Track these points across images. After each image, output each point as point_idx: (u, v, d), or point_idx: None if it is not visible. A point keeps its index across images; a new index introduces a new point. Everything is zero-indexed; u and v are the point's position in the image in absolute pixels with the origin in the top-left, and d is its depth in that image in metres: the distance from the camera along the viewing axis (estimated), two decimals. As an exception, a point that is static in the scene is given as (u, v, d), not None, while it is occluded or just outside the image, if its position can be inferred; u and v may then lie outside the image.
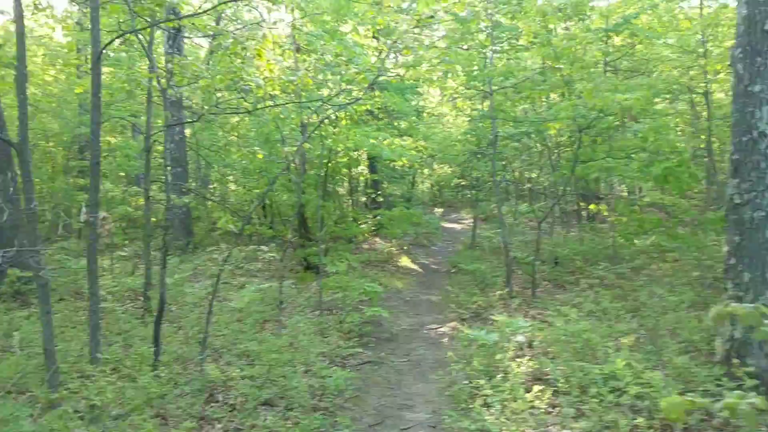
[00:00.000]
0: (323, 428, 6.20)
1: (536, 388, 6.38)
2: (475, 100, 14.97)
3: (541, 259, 14.08)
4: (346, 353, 8.88)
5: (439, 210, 24.47)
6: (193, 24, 9.27)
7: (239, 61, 6.55)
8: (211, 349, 8.35)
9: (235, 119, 16.93)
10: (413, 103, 16.74)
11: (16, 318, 9.19)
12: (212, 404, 6.60)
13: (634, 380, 5.93)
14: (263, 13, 12.98)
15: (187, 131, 19.13)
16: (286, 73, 7.74)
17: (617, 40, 15.97)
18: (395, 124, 15.41)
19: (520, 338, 8.13)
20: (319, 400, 6.96)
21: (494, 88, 12.00)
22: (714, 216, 12.37)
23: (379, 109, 15.67)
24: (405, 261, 16.63)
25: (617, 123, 11.90)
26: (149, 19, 7.14)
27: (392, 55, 16.16)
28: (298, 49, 10.82)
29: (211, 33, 12.86)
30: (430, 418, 6.63)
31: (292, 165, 13.82)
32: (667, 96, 15.35)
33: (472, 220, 24.18)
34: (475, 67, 12.63)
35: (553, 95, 14.09)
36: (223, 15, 17.55)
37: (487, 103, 15.99)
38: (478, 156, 14.63)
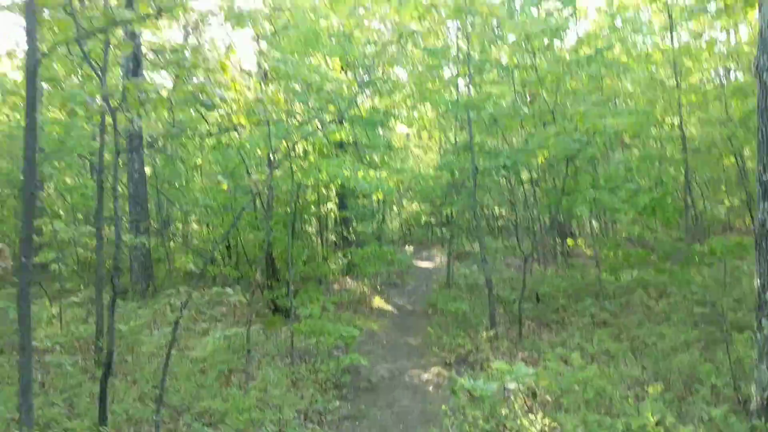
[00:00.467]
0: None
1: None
2: (448, 131, 14.21)
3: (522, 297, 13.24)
4: (323, 407, 7.79)
5: (409, 248, 23.53)
6: (152, 51, 8.38)
7: (201, 75, 5.60)
8: (169, 409, 7.20)
9: (198, 159, 15.90)
10: (384, 137, 15.96)
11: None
12: (167, 479, 5.48)
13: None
14: (228, 31, 12.07)
15: (148, 169, 18.04)
16: (254, 95, 6.82)
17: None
18: (366, 158, 14.55)
19: (511, 385, 7.19)
20: (295, 468, 5.89)
21: (473, 117, 11.24)
22: (699, 249, 11.72)
23: (349, 143, 14.84)
24: (378, 302, 15.59)
25: (602, 152, 11.25)
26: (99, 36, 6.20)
27: (365, 90, 15.44)
28: (265, 75, 9.95)
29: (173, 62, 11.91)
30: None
31: (258, 200, 12.83)
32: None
33: (444, 258, 23.35)
34: (453, 96, 11.90)
35: (529, 128, 13.42)
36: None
37: (462, 135, 15.28)
38: (455, 190, 13.82)
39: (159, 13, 5.38)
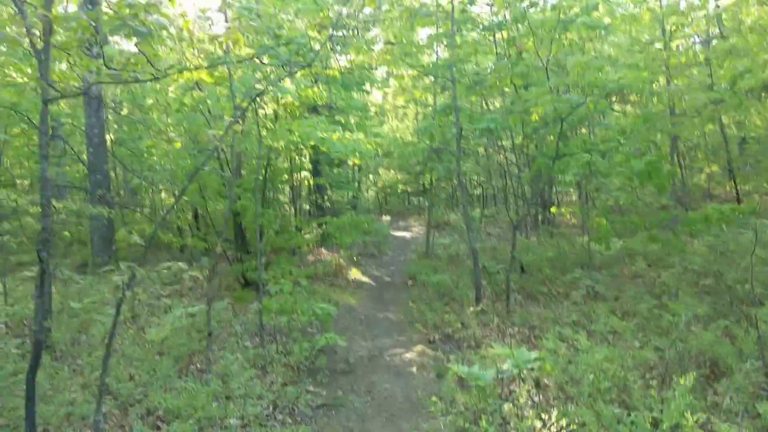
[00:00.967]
0: None
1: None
2: (428, 94, 13.09)
3: (507, 267, 12.34)
4: (295, 396, 6.79)
5: (386, 218, 22.55)
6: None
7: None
8: (117, 402, 6.14)
9: (156, 114, 14.57)
10: (360, 100, 14.80)
11: None
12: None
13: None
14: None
15: (109, 137, 16.69)
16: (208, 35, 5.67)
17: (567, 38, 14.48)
18: (342, 120, 13.40)
19: (512, 371, 6.27)
20: (261, 475, 4.90)
21: (457, 76, 10.16)
22: (694, 216, 10.87)
23: (322, 106, 13.66)
24: (355, 273, 14.61)
25: (596, 111, 10.25)
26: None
27: (337, 47, 14.25)
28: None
29: None
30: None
31: (227, 166, 11.67)
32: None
33: (421, 228, 22.41)
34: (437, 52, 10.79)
35: (512, 89, 12.33)
36: None
37: (442, 98, 14.18)
38: (436, 156, 12.77)
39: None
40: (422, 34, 17.32)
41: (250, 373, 7.10)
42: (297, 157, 14.19)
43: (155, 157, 13.74)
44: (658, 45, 14.72)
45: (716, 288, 7.88)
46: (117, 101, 19.36)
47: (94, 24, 4.34)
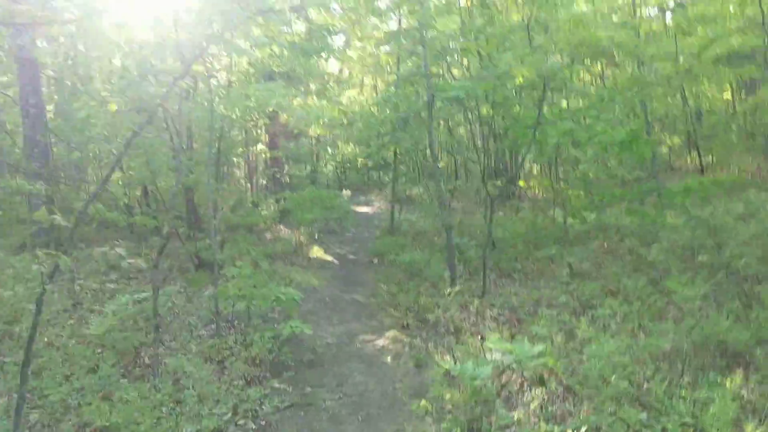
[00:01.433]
0: None
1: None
2: (392, 59, 12.07)
3: (480, 244, 11.56)
4: (258, 396, 5.85)
5: (346, 192, 21.54)
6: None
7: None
8: (44, 413, 5.11)
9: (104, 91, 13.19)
10: (320, 67, 13.72)
11: None
12: None
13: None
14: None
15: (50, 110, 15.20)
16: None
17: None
18: (301, 89, 12.33)
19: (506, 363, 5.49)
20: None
21: (431, 34, 9.22)
22: (675, 188, 10.26)
23: (280, 73, 12.56)
24: (317, 251, 13.63)
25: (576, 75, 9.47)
26: None
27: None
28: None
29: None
30: None
31: (173, 127, 10.50)
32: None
33: (383, 203, 21.49)
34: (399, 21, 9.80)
35: (477, 58, 11.45)
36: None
37: (406, 64, 13.18)
38: (401, 126, 11.82)
39: None
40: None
41: (206, 371, 6.15)
42: (253, 129, 13.06)
43: (98, 129, 12.41)
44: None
45: (710, 264, 7.22)
46: (56, 70, 17.76)
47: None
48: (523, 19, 8.03)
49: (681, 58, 12.58)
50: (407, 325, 8.20)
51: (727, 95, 22.36)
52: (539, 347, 4.69)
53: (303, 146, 16.26)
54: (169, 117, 11.15)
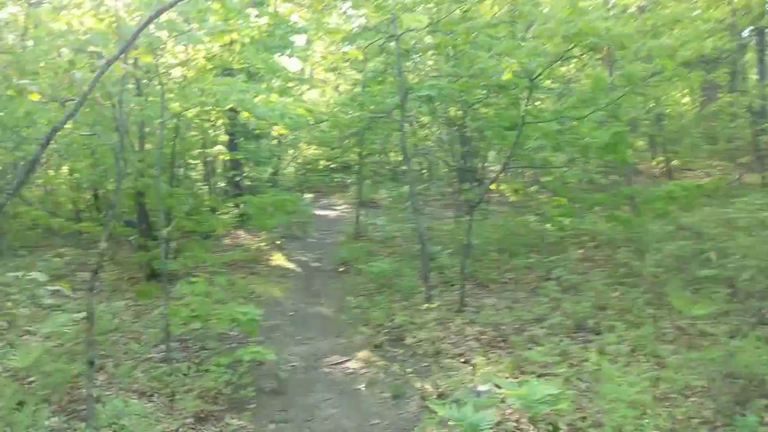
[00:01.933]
0: None
1: None
2: (360, 55, 11.16)
3: (454, 253, 10.76)
4: (213, 440, 4.91)
5: (308, 196, 20.55)
6: None
7: None
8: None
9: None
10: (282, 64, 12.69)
11: None
12: None
13: None
14: None
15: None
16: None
17: None
18: (264, 86, 11.30)
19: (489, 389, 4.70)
20: None
21: (402, 28, 8.36)
22: (656, 193, 9.63)
23: (239, 70, 11.53)
24: (278, 259, 12.66)
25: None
26: None
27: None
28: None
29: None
30: None
31: (128, 138, 9.42)
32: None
33: (346, 206, 20.56)
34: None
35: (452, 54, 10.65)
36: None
37: (373, 63, 12.31)
38: (375, 122, 10.94)
39: None
40: None
41: (152, 407, 5.16)
42: (210, 128, 12.02)
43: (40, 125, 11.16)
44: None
45: (712, 278, 6.55)
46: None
47: None
48: (503, 12, 7.29)
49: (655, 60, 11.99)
50: (380, 344, 7.33)
51: (686, 99, 22.22)
52: (550, 388, 3.88)
53: (264, 148, 15.20)
54: (119, 115, 10.07)
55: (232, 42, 10.34)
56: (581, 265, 9.17)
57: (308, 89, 19.20)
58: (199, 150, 13.73)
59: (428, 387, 5.80)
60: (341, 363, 7.01)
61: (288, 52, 13.87)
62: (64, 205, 13.77)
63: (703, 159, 17.71)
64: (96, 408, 4.85)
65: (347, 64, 14.08)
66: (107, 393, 5.67)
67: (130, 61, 10.10)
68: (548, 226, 9.77)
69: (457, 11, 8.77)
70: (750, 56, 17.89)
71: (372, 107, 10.97)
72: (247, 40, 9.90)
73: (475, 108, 11.61)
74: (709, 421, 3.97)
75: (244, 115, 10.09)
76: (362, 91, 12.03)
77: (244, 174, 14.97)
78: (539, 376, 5.14)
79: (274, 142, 18.16)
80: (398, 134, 14.36)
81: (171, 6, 4.47)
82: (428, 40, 11.35)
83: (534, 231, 11.50)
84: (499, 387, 4.88)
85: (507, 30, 8.36)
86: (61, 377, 5.51)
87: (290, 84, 13.74)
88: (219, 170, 16.14)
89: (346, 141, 13.51)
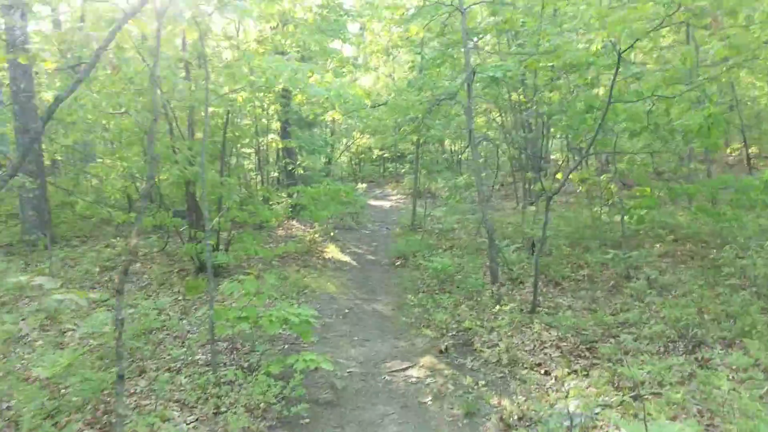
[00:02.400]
0: None
1: None
2: (422, 33, 10.24)
3: (523, 247, 9.84)
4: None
5: (362, 186, 19.83)
6: None
7: None
8: None
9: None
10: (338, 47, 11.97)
11: None
12: None
13: None
14: None
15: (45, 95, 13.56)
16: None
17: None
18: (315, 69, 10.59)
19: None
20: None
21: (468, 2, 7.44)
22: (753, 182, 8.44)
23: (297, 50, 10.86)
24: (332, 251, 11.95)
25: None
26: None
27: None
28: None
29: None
30: None
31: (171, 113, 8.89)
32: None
33: (400, 196, 19.78)
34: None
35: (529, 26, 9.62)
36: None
37: (428, 47, 11.38)
38: (440, 105, 10.02)
39: None
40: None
41: (193, 426, 4.46)
42: (262, 112, 11.35)
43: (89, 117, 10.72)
44: None
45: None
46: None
47: None
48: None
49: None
50: (446, 349, 6.48)
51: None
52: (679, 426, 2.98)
53: (317, 136, 14.52)
54: (166, 100, 9.51)
55: (284, 24, 9.66)
56: (663, 262, 8.09)
57: (363, 75, 18.37)
58: (252, 138, 13.14)
59: (506, 404, 4.93)
60: (403, 370, 6.20)
61: (342, 36, 13.17)
62: (109, 195, 13.36)
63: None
64: (128, 422, 4.17)
65: (403, 47, 13.19)
66: (146, 403, 5.04)
67: (178, 42, 9.53)
68: (626, 218, 8.69)
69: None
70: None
71: (431, 91, 10.10)
72: (299, 16, 9.23)
73: (541, 91, 10.60)
74: None
75: (297, 99, 9.38)
76: (420, 75, 11.13)
77: (297, 163, 14.30)
78: (639, 396, 4.21)
79: (327, 131, 17.51)
80: (457, 120, 13.52)
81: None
82: (491, 19, 10.42)
83: (606, 224, 10.45)
84: (597, 413, 3.97)
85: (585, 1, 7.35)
86: (94, 385, 4.87)
87: (344, 68, 13.01)
88: (272, 159, 15.53)
89: (403, 128, 12.66)
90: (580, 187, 12.53)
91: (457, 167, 20.91)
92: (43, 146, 12.38)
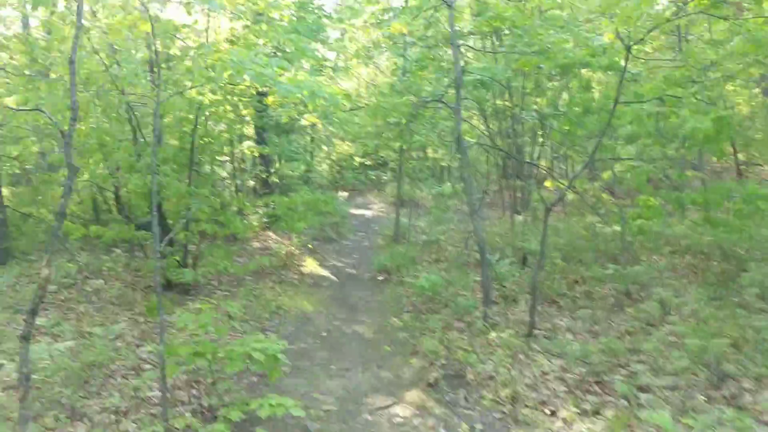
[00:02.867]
0: None
1: None
2: (405, 28, 9.41)
3: (514, 262, 9.05)
4: None
5: (343, 194, 18.96)
6: None
7: None
8: None
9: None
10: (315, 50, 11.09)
11: None
12: None
13: None
14: None
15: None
16: None
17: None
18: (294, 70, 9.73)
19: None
20: None
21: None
22: (760, 190, 7.73)
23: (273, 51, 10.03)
24: (311, 264, 11.07)
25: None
26: None
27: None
28: None
29: None
30: None
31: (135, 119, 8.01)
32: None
33: (383, 205, 18.95)
34: None
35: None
36: None
37: (421, 42, 10.59)
38: (426, 107, 9.20)
39: None
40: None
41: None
42: (236, 117, 10.48)
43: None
44: None
45: None
46: None
47: None
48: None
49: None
50: (435, 382, 5.64)
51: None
52: None
53: (295, 142, 13.63)
54: (126, 102, 8.61)
55: (257, 23, 8.83)
56: (667, 278, 7.35)
57: (343, 80, 17.51)
58: (225, 145, 12.21)
59: (508, 458, 4.11)
60: (387, 407, 5.34)
61: (321, 39, 12.35)
62: (71, 207, 12.34)
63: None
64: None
65: (387, 48, 12.38)
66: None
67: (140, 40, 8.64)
68: (625, 229, 7.93)
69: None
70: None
71: (415, 95, 9.29)
72: (273, 15, 8.41)
73: (529, 94, 9.85)
74: None
75: (268, 100, 8.53)
76: (404, 77, 10.33)
77: (273, 171, 13.41)
78: None
79: (308, 138, 16.63)
80: (441, 126, 12.70)
81: None
82: (479, 18, 9.66)
83: (601, 235, 9.71)
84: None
85: None
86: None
87: (322, 69, 12.15)
88: (247, 167, 14.59)
89: (385, 134, 11.85)
90: (571, 196, 11.82)
91: (441, 175, 20.13)
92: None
